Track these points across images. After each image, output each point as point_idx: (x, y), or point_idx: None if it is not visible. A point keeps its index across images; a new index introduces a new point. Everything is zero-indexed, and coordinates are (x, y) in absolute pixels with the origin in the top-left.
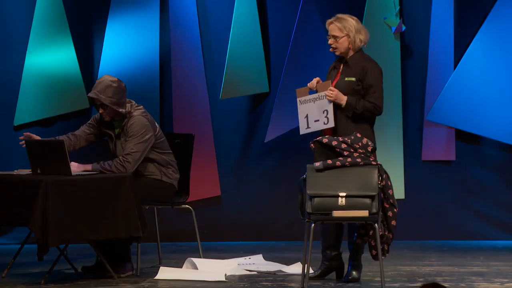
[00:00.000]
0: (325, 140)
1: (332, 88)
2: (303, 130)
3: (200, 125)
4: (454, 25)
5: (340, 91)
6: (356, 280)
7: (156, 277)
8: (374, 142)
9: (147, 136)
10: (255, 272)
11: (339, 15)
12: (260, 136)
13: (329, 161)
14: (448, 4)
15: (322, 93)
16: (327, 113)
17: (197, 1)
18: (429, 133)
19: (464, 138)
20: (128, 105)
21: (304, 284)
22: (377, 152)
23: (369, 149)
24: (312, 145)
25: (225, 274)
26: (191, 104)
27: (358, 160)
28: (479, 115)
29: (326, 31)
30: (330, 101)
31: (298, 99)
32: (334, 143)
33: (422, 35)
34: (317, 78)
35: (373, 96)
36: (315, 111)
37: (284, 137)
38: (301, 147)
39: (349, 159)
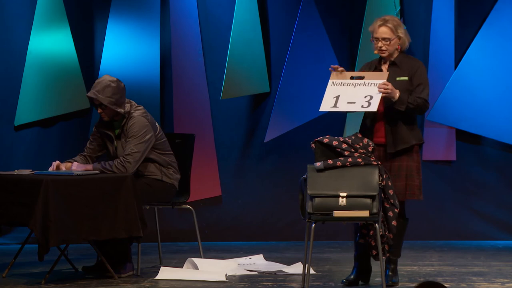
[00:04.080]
0: (325, 140)
1: (386, 82)
2: (326, 107)
3: (200, 125)
4: (455, 25)
5: None
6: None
7: (157, 277)
8: (421, 137)
9: (147, 137)
10: (256, 272)
11: (386, 17)
12: (261, 136)
13: (330, 161)
14: (449, 4)
15: (373, 81)
16: (370, 98)
17: (198, 1)
18: (429, 133)
19: (464, 138)
20: (128, 105)
21: (305, 284)
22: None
23: (370, 149)
24: (312, 145)
25: (226, 274)
26: (191, 104)
27: (359, 160)
28: (479, 115)
29: (369, 34)
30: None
31: (331, 80)
32: (335, 143)
33: (423, 35)
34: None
35: (423, 93)
36: (352, 94)
37: (284, 137)
38: (302, 147)
39: (349, 159)
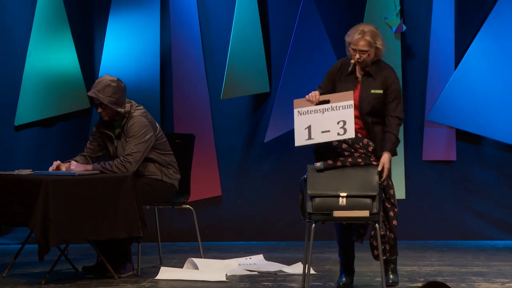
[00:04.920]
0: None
1: (383, 166)
2: (301, 142)
3: (200, 125)
4: (455, 25)
5: (367, 104)
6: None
7: (157, 277)
8: None
9: (147, 136)
10: (256, 272)
11: (365, 28)
12: (261, 136)
13: (330, 161)
14: (449, 4)
15: (340, 104)
16: (344, 124)
17: (198, 1)
18: (429, 133)
19: (464, 138)
20: (128, 105)
21: (305, 284)
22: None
23: (370, 149)
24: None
25: (226, 274)
26: (191, 104)
27: (359, 160)
28: (479, 115)
29: (341, 41)
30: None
31: (296, 110)
32: (335, 143)
33: (423, 35)
34: (317, 92)
35: (396, 109)
36: (324, 121)
37: (284, 137)
38: (302, 147)
39: (349, 159)
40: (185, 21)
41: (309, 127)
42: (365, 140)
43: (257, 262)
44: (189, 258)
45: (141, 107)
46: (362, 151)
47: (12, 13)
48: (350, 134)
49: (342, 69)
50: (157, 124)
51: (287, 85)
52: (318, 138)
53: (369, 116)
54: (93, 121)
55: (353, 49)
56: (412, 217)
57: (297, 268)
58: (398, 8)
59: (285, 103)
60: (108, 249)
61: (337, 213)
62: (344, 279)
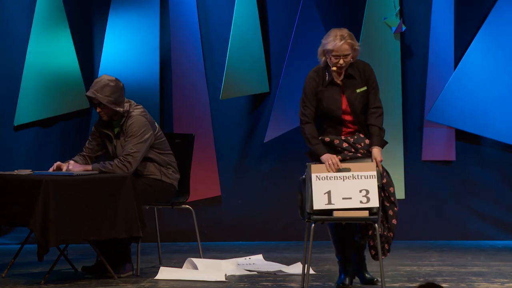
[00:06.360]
0: (327, 139)
1: (375, 160)
2: (320, 205)
3: (200, 125)
4: (455, 25)
5: (357, 104)
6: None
7: (156, 277)
8: None
9: (146, 136)
10: (255, 272)
11: (344, 33)
12: (260, 136)
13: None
14: (449, 4)
15: (362, 173)
16: (367, 193)
17: (198, 1)
18: (429, 133)
19: (464, 138)
20: (126, 104)
21: (304, 284)
22: None
23: (371, 149)
24: None
25: (225, 274)
26: (191, 104)
27: (358, 155)
28: (479, 115)
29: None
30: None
31: (314, 175)
32: (336, 141)
33: (422, 35)
34: (337, 160)
35: (376, 100)
36: (345, 188)
37: (284, 137)
38: (301, 147)
39: (350, 154)
40: (184, 21)
41: (328, 192)
42: (367, 141)
43: (256, 262)
44: (189, 258)
45: (140, 106)
46: (363, 152)
47: (12, 13)
48: (374, 203)
49: (320, 80)
50: (156, 124)
51: (287, 85)
52: (339, 204)
53: (362, 114)
54: (92, 121)
55: (335, 55)
56: (412, 217)
57: (296, 268)
58: (398, 8)
59: (285, 103)
60: (108, 249)
61: (336, 213)
62: (343, 279)
